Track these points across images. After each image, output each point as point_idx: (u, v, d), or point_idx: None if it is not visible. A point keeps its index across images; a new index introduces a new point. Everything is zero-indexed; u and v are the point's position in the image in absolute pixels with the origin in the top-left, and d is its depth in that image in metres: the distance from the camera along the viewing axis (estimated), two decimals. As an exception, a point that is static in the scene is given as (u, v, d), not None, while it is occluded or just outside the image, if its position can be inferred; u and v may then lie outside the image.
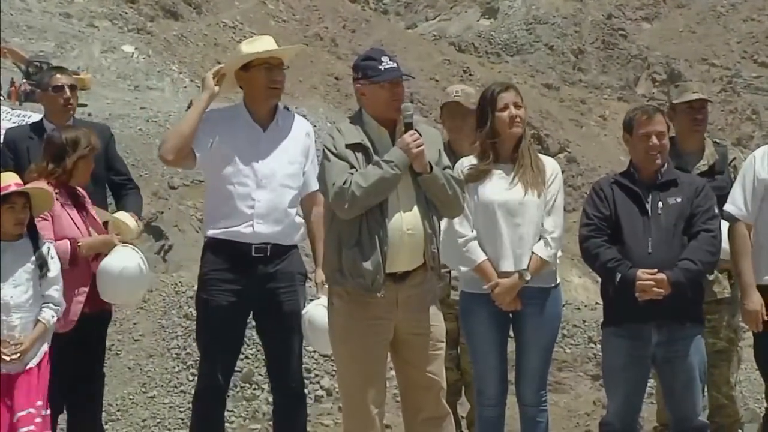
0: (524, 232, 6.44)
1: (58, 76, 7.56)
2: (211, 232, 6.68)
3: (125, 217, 7.08)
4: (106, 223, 7.05)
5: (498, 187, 6.48)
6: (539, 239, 6.47)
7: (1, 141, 7.63)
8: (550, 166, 6.63)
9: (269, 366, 6.91)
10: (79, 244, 6.71)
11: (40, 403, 6.36)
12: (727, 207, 6.73)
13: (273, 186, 6.58)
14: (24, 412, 6.30)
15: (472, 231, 6.50)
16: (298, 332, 6.72)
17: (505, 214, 6.44)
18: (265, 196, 6.55)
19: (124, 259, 6.90)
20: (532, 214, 6.46)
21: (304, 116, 7.31)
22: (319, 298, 6.56)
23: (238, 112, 6.70)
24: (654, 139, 6.46)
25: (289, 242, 6.65)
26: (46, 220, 6.62)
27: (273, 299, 6.59)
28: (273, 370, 6.85)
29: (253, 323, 6.84)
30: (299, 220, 6.72)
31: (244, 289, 6.55)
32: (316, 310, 6.53)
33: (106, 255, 6.84)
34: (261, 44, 6.68)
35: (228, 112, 6.72)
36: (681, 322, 6.37)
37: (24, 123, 26.12)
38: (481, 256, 6.46)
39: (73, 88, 7.57)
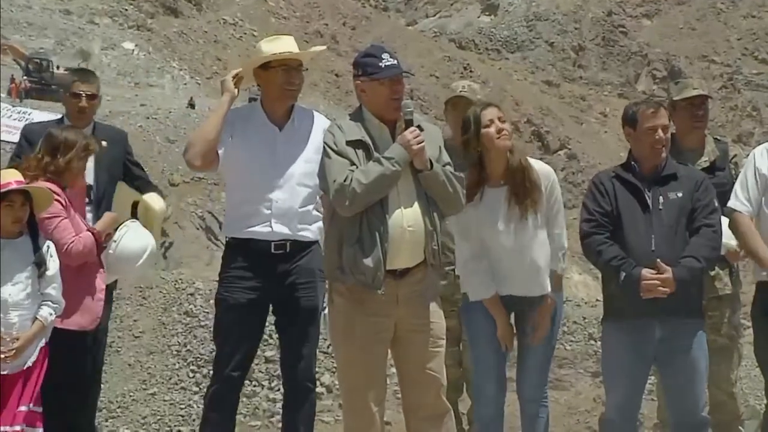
0: (529, 256, 6.39)
1: (79, 83, 7.55)
2: (231, 234, 6.71)
3: (154, 199, 7.17)
4: (136, 204, 7.23)
5: (495, 215, 6.38)
6: (550, 253, 6.44)
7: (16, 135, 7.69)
8: (544, 175, 6.51)
9: (283, 360, 6.92)
10: (96, 229, 6.75)
11: (34, 405, 6.37)
12: (731, 203, 6.72)
13: (290, 185, 6.58)
14: (23, 408, 6.31)
15: (481, 261, 6.46)
16: (315, 328, 6.73)
17: (507, 243, 6.37)
18: (282, 196, 6.56)
19: (143, 239, 7.05)
20: (533, 236, 6.39)
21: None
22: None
23: (254, 111, 6.70)
24: (660, 133, 6.45)
25: (309, 239, 6.65)
26: (66, 218, 6.61)
27: (292, 295, 6.60)
28: (287, 364, 6.86)
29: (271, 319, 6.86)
30: (317, 215, 6.72)
31: (264, 287, 6.56)
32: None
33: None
34: (281, 44, 6.66)
35: (244, 112, 6.72)
36: (683, 317, 6.36)
37: (24, 120, 26.08)
38: (490, 292, 6.44)
39: (92, 97, 7.56)
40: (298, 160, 6.63)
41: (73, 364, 6.66)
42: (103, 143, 7.31)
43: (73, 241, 6.56)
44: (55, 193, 6.58)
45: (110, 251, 6.92)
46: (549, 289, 6.43)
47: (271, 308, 6.74)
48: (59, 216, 6.59)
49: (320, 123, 6.80)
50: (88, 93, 7.50)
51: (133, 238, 7.02)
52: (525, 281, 6.41)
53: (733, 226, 6.72)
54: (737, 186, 6.81)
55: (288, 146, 6.64)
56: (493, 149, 6.40)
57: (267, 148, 6.60)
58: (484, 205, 6.40)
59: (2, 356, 6.20)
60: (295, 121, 6.70)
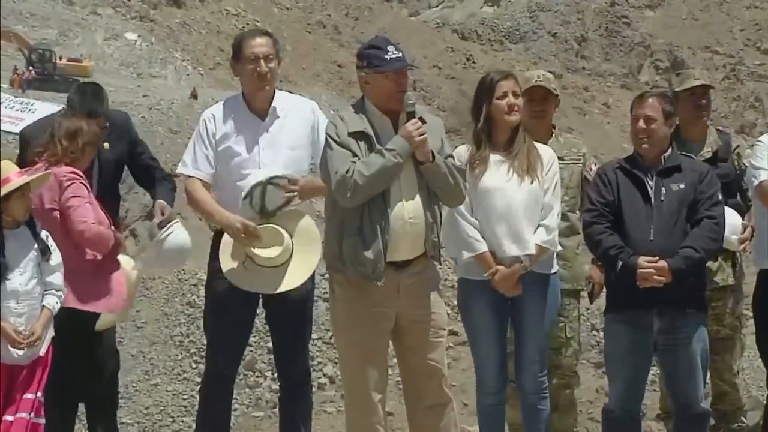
0: (522, 218, 6.42)
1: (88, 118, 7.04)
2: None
3: (126, 263, 7.01)
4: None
5: (495, 175, 6.45)
6: (538, 227, 6.46)
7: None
8: (547, 154, 6.60)
9: (276, 353, 6.94)
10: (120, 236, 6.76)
11: (42, 395, 6.40)
12: (759, 178, 6.71)
13: None
14: (30, 396, 6.34)
15: (473, 218, 6.48)
16: (307, 320, 6.77)
17: (502, 201, 6.42)
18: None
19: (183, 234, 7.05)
20: (529, 200, 6.43)
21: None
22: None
23: (236, 104, 6.75)
24: (640, 123, 6.46)
25: None
26: (89, 202, 6.61)
27: None
28: (279, 357, 6.88)
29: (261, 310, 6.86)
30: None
31: None
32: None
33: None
34: None
35: (227, 108, 6.75)
36: (683, 309, 6.37)
37: (27, 110, 25.97)
38: (482, 246, 6.42)
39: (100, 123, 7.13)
40: (281, 149, 6.65)
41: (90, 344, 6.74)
42: (105, 145, 7.21)
43: (94, 223, 6.55)
44: (80, 176, 6.60)
45: (162, 239, 6.95)
46: (532, 251, 6.42)
47: (261, 301, 6.75)
48: (84, 198, 6.59)
49: (304, 107, 6.82)
50: (99, 126, 7.08)
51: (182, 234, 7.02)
52: (509, 242, 6.42)
53: (761, 191, 6.71)
54: (755, 164, 6.81)
55: (271, 135, 6.66)
56: (500, 121, 6.45)
57: (251, 139, 6.64)
58: (485, 167, 6.46)
59: (21, 349, 6.23)
60: (277, 109, 6.71)
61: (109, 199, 7.14)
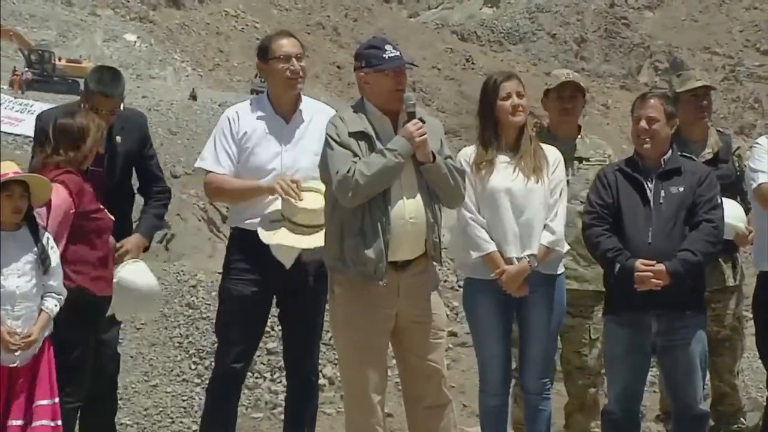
0: (529, 218, 6.43)
1: (102, 98, 6.97)
2: (236, 224, 6.72)
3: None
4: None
5: (501, 175, 6.46)
6: (544, 227, 6.46)
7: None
8: (553, 154, 6.61)
9: (286, 351, 6.93)
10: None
11: (55, 400, 6.38)
12: (758, 181, 6.72)
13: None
14: (46, 402, 6.32)
15: (480, 217, 6.48)
16: (320, 320, 6.76)
17: (509, 201, 6.42)
18: None
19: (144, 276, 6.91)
20: (535, 200, 6.44)
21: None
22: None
23: (261, 105, 6.75)
24: (643, 123, 6.45)
25: None
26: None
27: (298, 287, 6.61)
28: (290, 355, 6.87)
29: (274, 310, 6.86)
30: None
31: (269, 279, 6.58)
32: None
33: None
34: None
35: (252, 107, 6.76)
36: (681, 311, 6.36)
37: (26, 111, 25.98)
38: (490, 246, 6.42)
39: (113, 112, 7.06)
40: (305, 153, 6.64)
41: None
42: (118, 138, 7.15)
43: None
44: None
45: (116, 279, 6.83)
46: (530, 251, 6.42)
47: (274, 300, 6.75)
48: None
49: (326, 114, 6.81)
50: (111, 110, 7.02)
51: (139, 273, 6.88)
52: (515, 242, 6.41)
53: (760, 194, 6.72)
54: (753, 166, 6.80)
55: (295, 139, 6.66)
56: (505, 122, 6.46)
57: (274, 142, 6.64)
58: (492, 168, 6.47)
59: (16, 351, 6.21)
60: (303, 113, 6.72)
61: (119, 194, 7.12)
